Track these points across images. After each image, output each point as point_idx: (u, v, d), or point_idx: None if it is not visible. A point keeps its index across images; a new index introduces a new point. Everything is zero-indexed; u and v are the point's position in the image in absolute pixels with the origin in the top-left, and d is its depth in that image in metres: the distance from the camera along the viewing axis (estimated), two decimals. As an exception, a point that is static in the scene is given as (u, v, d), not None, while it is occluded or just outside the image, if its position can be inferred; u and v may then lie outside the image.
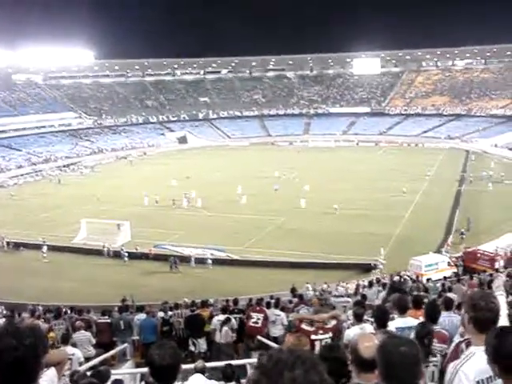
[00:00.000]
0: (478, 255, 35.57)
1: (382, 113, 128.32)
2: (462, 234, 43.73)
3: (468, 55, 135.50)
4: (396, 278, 26.65)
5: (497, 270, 28.13)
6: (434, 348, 5.76)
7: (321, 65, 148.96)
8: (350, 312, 12.75)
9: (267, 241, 44.21)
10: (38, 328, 2.62)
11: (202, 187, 62.97)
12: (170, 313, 16.60)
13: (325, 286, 31.13)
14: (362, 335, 4.34)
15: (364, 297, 15.99)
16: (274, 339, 14.30)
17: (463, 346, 4.81)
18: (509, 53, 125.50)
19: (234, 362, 9.92)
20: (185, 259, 40.76)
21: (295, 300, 19.75)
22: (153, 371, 3.88)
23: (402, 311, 7.09)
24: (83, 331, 14.27)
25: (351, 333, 7.05)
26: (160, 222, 50.27)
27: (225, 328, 14.99)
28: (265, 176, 72.26)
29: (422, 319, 6.59)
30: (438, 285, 23.01)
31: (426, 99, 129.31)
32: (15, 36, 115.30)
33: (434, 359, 5.60)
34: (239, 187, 61.00)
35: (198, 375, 8.01)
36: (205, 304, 18.05)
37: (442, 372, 5.25)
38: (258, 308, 15.32)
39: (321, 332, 7.89)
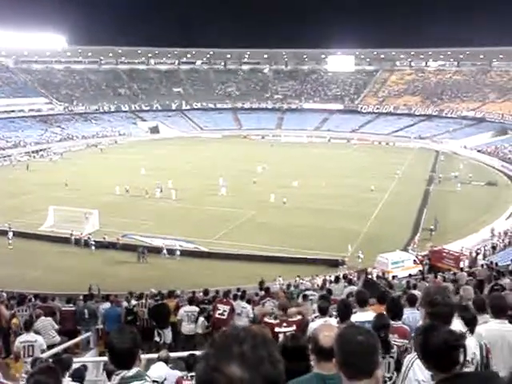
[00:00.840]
0: (444, 254, 36.14)
1: (355, 110, 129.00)
2: (430, 230, 44.58)
3: (441, 57, 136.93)
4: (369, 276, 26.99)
5: (462, 270, 28.62)
6: (394, 342, 5.85)
7: (296, 60, 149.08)
8: (314, 306, 12.86)
9: (237, 234, 44.29)
10: None
11: (174, 178, 62.60)
12: (133, 302, 16.50)
13: (297, 279, 31.46)
14: (323, 325, 4.40)
15: (329, 291, 16.09)
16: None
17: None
18: (482, 56, 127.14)
19: (198, 353, 9.92)
20: (154, 250, 40.62)
21: (262, 293, 19.79)
22: (112, 355, 3.87)
23: (362, 305, 7.20)
24: (44, 317, 14.13)
25: (315, 326, 7.11)
26: (130, 212, 49.99)
27: (201, 318, 15.02)
28: (237, 169, 72.20)
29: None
30: (404, 282, 23.30)
31: (398, 98, 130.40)
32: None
33: (392, 351, 5.70)
34: (220, 179, 60.61)
35: (161, 363, 8.03)
36: (171, 294, 18.00)
37: (398, 363, 5.37)
38: (224, 300, 15.34)
39: (284, 325, 7.94)
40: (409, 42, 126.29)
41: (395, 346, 5.82)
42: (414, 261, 35.77)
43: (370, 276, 27.25)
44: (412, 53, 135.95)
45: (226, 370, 1.59)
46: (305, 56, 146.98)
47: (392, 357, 5.55)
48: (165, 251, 40.36)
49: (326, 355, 3.64)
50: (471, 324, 4.69)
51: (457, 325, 4.04)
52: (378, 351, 2.76)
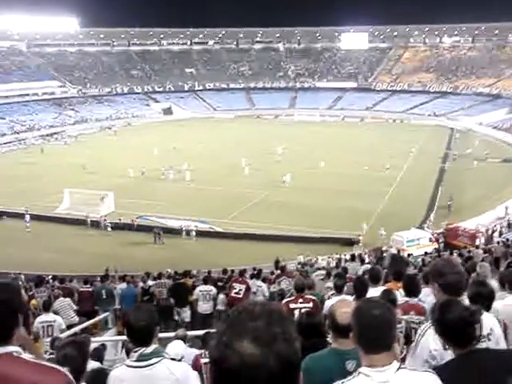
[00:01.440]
0: (459, 232, 36.01)
1: (369, 88, 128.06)
2: (449, 206, 44.69)
3: (456, 33, 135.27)
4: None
5: (477, 247, 28.52)
6: (410, 319, 5.87)
7: (308, 38, 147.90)
8: (328, 284, 12.90)
9: (251, 214, 44.36)
10: (14, 284, 2.63)
11: (188, 159, 62.66)
12: (150, 282, 16.66)
13: (311, 257, 31.67)
14: (340, 301, 4.42)
15: (345, 269, 16.13)
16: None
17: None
18: (496, 32, 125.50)
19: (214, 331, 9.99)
20: (169, 230, 40.83)
21: (277, 272, 19.90)
22: (129, 332, 3.92)
23: (375, 281, 7.23)
24: (62, 298, 14.30)
25: (331, 304, 7.14)
26: (144, 194, 50.15)
27: (221, 295, 15.14)
28: (255, 149, 72.07)
29: (401, 291, 6.70)
30: (419, 260, 23.28)
31: (412, 76, 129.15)
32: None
33: (399, 326, 5.71)
34: (243, 159, 60.59)
35: (178, 341, 8.10)
36: (187, 274, 18.14)
37: (408, 338, 5.41)
38: (240, 279, 15.45)
39: (300, 301, 7.96)
40: (422, 18, 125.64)
41: (403, 321, 5.85)
42: (430, 239, 35.66)
43: (395, 252, 27.09)
44: (426, 29, 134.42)
45: (238, 347, 1.55)
46: (318, 34, 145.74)
47: (401, 332, 5.57)
48: (184, 232, 40.54)
49: (344, 332, 3.67)
50: (488, 299, 4.68)
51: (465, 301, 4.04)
52: (394, 325, 2.79)
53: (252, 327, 1.59)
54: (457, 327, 3.06)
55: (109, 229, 41.82)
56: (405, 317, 5.84)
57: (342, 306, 3.96)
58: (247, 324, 1.61)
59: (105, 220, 42.73)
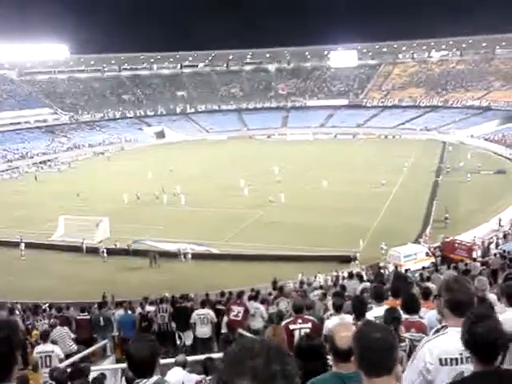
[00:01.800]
0: (456, 245, 36.04)
1: (360, 105, 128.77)
2: (445, 218, 44.67)
3: (444, 47, 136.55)
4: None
5: (474, 260, 28.50)
6: (411, 336, 5.83)
7: (298, 58, 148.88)
8: (328, 303, 12.82)
9: (247, 234, 44.30)
10: (13, 321, 2.61)
11: (182, 182, 62.68)
12: (148, 308, 16.56)
13: (303, 276, 31.53)
14: (339, 325, 4.38)
15: (343, 287, 16.07)
16: (255, 332, 14.35)
17: (442, 331, 4.91)
18: (484, 44, 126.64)
19: (215, 355, 9.93)
20: (165, 254, 40.68)
21: (275, 292, 19.79)
22: (130, 364, 3.87)
23: (379, 300, 7.18)
24: (60, 327, 14.19)
25: (330, 324, 7.10)
26: (139, 218, 50.05)
27: (226, 318, 15.06)
28: (245, 170, 72.23)
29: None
30: (417, 275, 23.23)
31: (402, 91, 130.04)
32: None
33: (403, 344, 5.68)
34: (241, 181, 60.24)
35: (178, 369, 8.03)
36: (185, 297, 18.05)
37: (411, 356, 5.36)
38: (238, 301, 15.35)
39: (300, 321, 7.91)
40: (410, 34, 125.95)
41: (407, 340, 5.82)
42: (427, 253, 35.66)
43: (387, 270, 27.07)
44: (414, 44, 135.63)
45: None
46: (307, 53, 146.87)
47: (404, 350, 5.54)
48: (183, 255, 40.41)
49: (344, 356, 3.64)
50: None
51: None
52: (396, 347, 2.78)
53: (251, 366, 1.57)
54: (486, 342, 3.02)
55: (105, 254, 41.63)
56: (406, 334, 5.81)
57: (341, 329, 3.92)
58: (246, 362, 1.58)
59: (100, 246, 42.54)
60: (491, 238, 38.92)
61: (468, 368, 3.59)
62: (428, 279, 18.08)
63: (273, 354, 1.62)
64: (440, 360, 3.59)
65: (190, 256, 40.21)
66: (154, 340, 3.97)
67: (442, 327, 5.03)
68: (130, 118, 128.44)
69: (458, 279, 3.84)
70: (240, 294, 16.64)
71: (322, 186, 59.04)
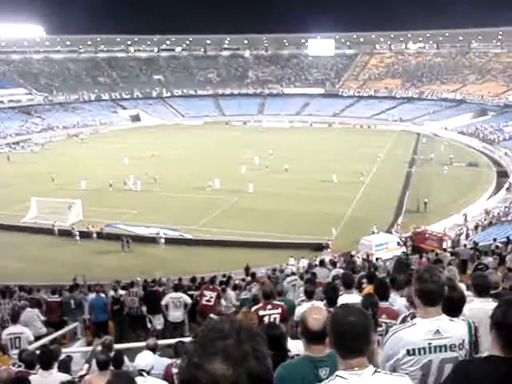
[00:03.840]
0: (427, 235, 36.49)
1: (336, 94, 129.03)
2: (425, 203, 46.28)
3: (421, 39, 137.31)
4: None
5: (445, 250, 28.92)
6: (382, 322, 5.93)
7: (276, 45, 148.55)
8: (300, 290, 12.93)
9: (221, 220, 44.30)
10: None
11: (157, 166, 62.37)
12: (120, 291, 16.51)
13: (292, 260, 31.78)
14: (312, 308, 4.43)
15: (314, 275, 16.19)
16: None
17: (409, 319, 5.02)
18: (461, 38, 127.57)
19: (186, 339, 9.95)
20: (138, 238, 40.53)
21: (248, 278, 19.89)
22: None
23: (348, 287, 7.28)
24: (30, 309, 14.10)
25: (302, 310, 7.15)
26: (113, 202, 49.74)
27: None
28: (220, 156, 72.16)
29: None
30: (388, 263, 23.49)
31: (378, 82, 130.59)
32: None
33: (380, 329, 5.79)
34: (216, 180, 55.69)
35: (148, 352, 8.03)
36: (157, 282, 18.03)
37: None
38: (211, 286, 15.39)
39: (269, 307, 7.94)
40: (388, 25, 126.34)
41: (383, 324, 5.91)
42: (398, 243, 36.07)
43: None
44: (391, 35, 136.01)
45: (209, 367, 1.53)
46: (285, 41, 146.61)
47: (381, 335, 5.63)
48: (162, 240, 40.32)
49: (316, 338, 3.69)
50: (460, 304, 4.73)
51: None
52: (370, 330, 2.84)
53: (222, 346, 1.56)
54: None
55: (77, 237, 41.32)
56: (383, 320, 5.92)
57: (313, 312, 3.97)
58: (217, 343, 1.57)
59: (73, 228, 42.20)
60: (461, 229, 39.53)
61: (436, 357, 3.67)
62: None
63: (244, 334, 1.61)
64: (408, 350, 3.66)
65: (162, 241, 40.14)
66: (131, 377, 3.94)
67: (410, 315, 5.14)
68: (105, 100, 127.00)
69: (429, 269, 3.89)
70: (213, 280, 16.69)
71: (296, 174, 59.12)
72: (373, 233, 38.03)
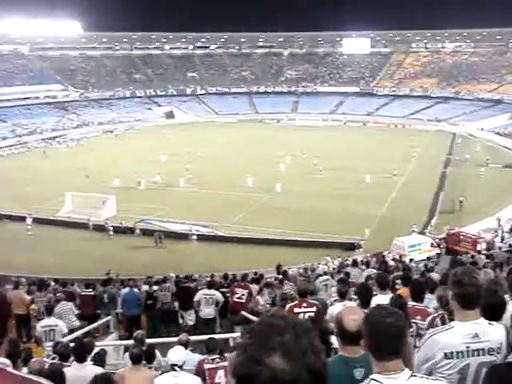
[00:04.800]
0: (461, 237, 35.93)
1: (371, 93, 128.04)
2: (460, 202, 45.74)
3: (458, 38, 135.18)
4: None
5: (479, 252, 28.47)
6: (413, 322, 5.87)
7: (311, 43, 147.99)
8: (332, 289, 12.88)
9: (253, 218, 44.31)
10: (2, 293, 2.59)
11: (191, 163, 62.63)
12: (154, 287, 16.65)
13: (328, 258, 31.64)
14: (347, 308, 4.40)
15: (347, 274, 16.10)
16: (258, 314, 14.42)
17: (438, 320, 4.96)
18: (498, 37, 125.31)
19: (218, 336, 9.99)
20: (171, 234, 40.82)
21: (280, 277, 19.88)
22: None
23: (383, 288, 7.20)
24: (65, 302, 14.30)
25: (335, 310, 7.12)
26: (146, 197, 50.15)
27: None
28: (253, 153, 72.24)
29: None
30: (421, 265, 23.26)
31: (414, 81, 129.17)
32: (1, 6, 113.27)
33: (410, 330, 5.73)
34: (249, 179, 55.57)
35: (179, 347, 8.08)
36: (189, 278, 18.13)
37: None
38: (242, 284, 15.42)
39: (304, 305, 7.94)
40: (424, 24, 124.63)
41: (414, 325, 5.86)
42: (431, 244, 35.61)
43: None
44: (428, 34, 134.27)
45: (268, 362, 1.52)
46: (320, 39, 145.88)
47: (412, 335, 5.58)
48: (194, 236, 40.56)
49: (351, 339, 3.66)
50: (501, 309, 4.63)
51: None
52: (406, 332, 2.81)
53: (280, 341, 1.56)
54: None
55: (111, 232, 41.81)
56: (414, 320, 5.86)
57: (349, 312, 3.94)
58: (275, 338, 1.57)
59: (107, 224, 42.71)
60: (496, 231, 38.83)
61: (474, 360, 3.62)
62: (432, 270, 18.11)
63: (300, 329, 1.62)
64: (445, 354, 3.62)
65: (195, 237, 40.37)
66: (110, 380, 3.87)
67: (439, 315, 5.09)
68: (140, 97, 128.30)
69: (466, 272, 3.83)
70: (244, 277, 16.72)
71: (329, 173, 58.84)
72: (413, 232, 37.65)
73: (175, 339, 9.42)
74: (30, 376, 2.50)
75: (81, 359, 7.43)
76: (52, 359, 8.25)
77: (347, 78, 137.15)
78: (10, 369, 2.38)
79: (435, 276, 13.26)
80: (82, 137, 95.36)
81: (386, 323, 2.74)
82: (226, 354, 8.34)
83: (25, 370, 6.55)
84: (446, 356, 3.62)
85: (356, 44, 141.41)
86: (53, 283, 21.21)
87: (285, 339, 1.57)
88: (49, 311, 12.25)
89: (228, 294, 15.54)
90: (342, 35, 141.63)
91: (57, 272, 29.45)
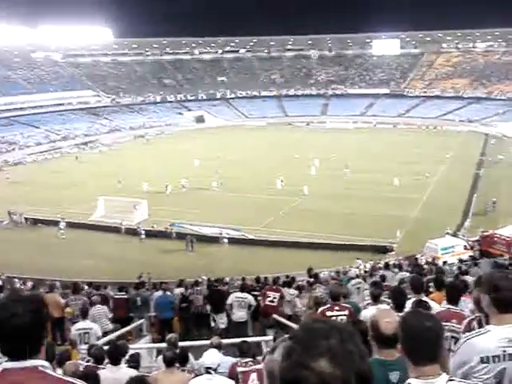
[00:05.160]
0: (495, 239, 35.35)
1: (401, 94, 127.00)
2: (493, 203, 45.25)
3: (489, 37, 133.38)
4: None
5: (514, 255, 27.99)
6: (452, 327, 5.79)
7: (340, 45, 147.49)
8: (365, 293, 12.79)
9: (283, 221, 44.25)
10: (40, 296, 2.65)
11: (222, 167, 62.81)
12: (189, 290, 16.75)
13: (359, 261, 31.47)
14: (382, 311, 4.37)
15: (383, 277, 15.97)
16: (289, 318, 14.40)
17: (474, 323, 4.88)
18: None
19: (250, 339, 9.99)
20: (202, 238, 40.98)
21: (311, 280, 19.80)
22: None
23: (417, 291, 7.12)
24: (99, 305, 14.45)
25: (368, 313, 7.07)
26: (177, 201, 50.45)
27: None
28: (282, 156, 72.19)
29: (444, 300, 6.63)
30: (455, 268, 22.94)
31: (445, 81, 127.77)
32: (35, 14, 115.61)
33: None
34: (278, 181, 55.65)
35: (214, 350, 8.11)
36: (221, 282, 18.17)
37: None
38: (274, 287, 15.40)
39: (336, 309, 7.91)
40: (455, 24, 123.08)
41: (446, 330, 5.77)
42: (465, 246, 35.12)
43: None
44: (458, 34, 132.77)
45: (315, 366, 1.51)
46: (349, 41, 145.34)
47: (445, 339, 5.51)
48: (226, 240, 40.72)
49: (387, 342, 3.63)
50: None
51: None
52: (443, 336, 2.77)
53: (327, 346, 1.56)
54: None
55: (143, 236, 42.17)
56: (447, 324, 5.78)
57: (385, 315, 3.91)
58: (321, 343, 1.57)
59: (139, 227, 43.09)
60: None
61: (511, 364, 3.56)
62: (466, 273, 17.86)
63: (345, 333, 1.62)
64: (481, 358, 3.56)
65: (226, 240, 40.48)
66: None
67: (475, 318, 5.00)
68: (171, 102, 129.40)
69: (505, 277, 3.76)
70: (276, 280, 16.70)
71: (360, 175, 58.45)
72: (446, 235, 37.20)
73: (207, 342, 9.46)
74: (68, 378, 2.54)
75: (115, 362, 7.50)
76: (86, 362, 8.34)
77: (377, 80, 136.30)
78: (49, 371, 2.43)
79: (470, 279, 13.08)
80: (113, 142, 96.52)
81: (424, 327, 2.72)
82: (259, 357, 8.34)
83: (59, 371, 6.62)
84: (482, 360, 3.57)
85: (386, 45, 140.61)
86: (86, 287, 21.46)
87: (331, 344, 1.57)
88: (84, 314, 12.39)
89: (260, 298, 15.54)
90: (371, 37, 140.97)
91: (89, 275, 29.80)
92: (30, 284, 25.39)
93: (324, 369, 1.50)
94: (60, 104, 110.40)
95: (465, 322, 5.34)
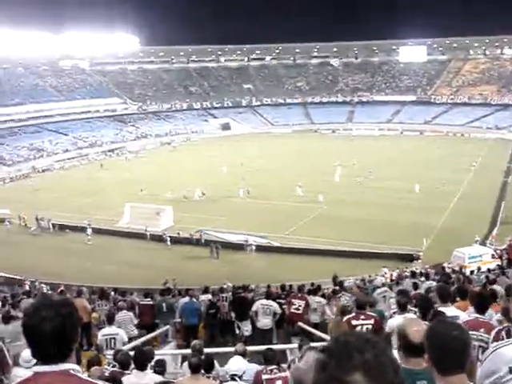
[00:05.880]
0: (524, 248, 34.83)
1: (428, 101, 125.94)
2: None
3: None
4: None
5: (543, 264, 27.49)
6: (480, 337, 5.72)
7: (366, 52, 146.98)
8: (391, 301, 12.68)
9: (308, 229, 44.15)
10: (71, 300, 2.68)
11: (246, 174, 62.95)
12: (210, 297, 16.77)
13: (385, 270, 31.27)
14: (410, 320, 4.33)
15: (415, 285, 15.80)
16: (315, 326, 14.34)
17: (503, 333, 4.81)
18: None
19: (275, 347, 9.97)
20: (227, 245, 41.04)
21: (336, 288, 19.69)
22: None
23: (444, 300, 7.05)
24: (125, 311, 14.55)
25: (395, 322, 7.01)
26: (203, 208, 50.63)
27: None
28: (309, 163, 72.07)
29: (470, 309, 6.55)
30: (482, 277, 22.63)
31: (473, 88, 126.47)
32: (62, 22, 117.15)
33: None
34: (298, 189, 55.53)
35: (238, 357, 8.10)
36: (246, 289, 18.17)
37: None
38: (299, 295, 15.35)
39: (362, 317, 7.86)
40: (482, 30, 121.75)
41: (474, 342, 5.69)
42: (493, 255, 34.64)
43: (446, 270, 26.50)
44: (486, 40, 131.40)
45: (350, 380, 1.52)
46: (375, 48, 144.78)
47: (473, 348, 5.44)
48: (253, 247, 40.78)
49: (415, 351, 3.59)
50: None
51: None
52: (470, 346, 2.73)
53: (361, 360, 1.56)
54: None
55: (168, 243, 42.39)
56: (474, 333, 5.71)
57: (413, 324, 3.87)
58: (355, 357, 1.57)
59: (164, 234, 43.34)
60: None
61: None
62: (494, 282, 17.60)
63: (379, 347, 1.62)
64: (510, 368, 3.51)
65: (253, 248, 40.50)
66: None
67: (504, 328, 4.93)
68: (197, 109, 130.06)
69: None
70: (301, 288, 16.64)
71: (385, 183, 58.07)
72: (475, 243, 36.74)
73: (232, 349, 9.46)
74: (98, 381, 2.58)
75: (141, 367, 7.53)
76: (112, 367, 8.39)
77: (404, 87, 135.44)
78: (80, 374, 2.46)
79: (498, 288, 12.89)
80: (140, 149, 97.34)
81: (451, 336, 2.68)
82: (284, 365, 8.31)
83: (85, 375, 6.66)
84: (510, 370, 3.52)
85: (412, 52, 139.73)
86: (112, 293, 21.62)
87: (366, 357, 1.56)
88: (110, 320, 12.48)
89: (285, 306, 15.49)
90: (398, 43, 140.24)
91: (116, 281, 30.04)
92: (58, 289, 25.67)
93: (358, 382, 1.51)
94: (87, 111, 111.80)
95: (493, 332, 5.27)
